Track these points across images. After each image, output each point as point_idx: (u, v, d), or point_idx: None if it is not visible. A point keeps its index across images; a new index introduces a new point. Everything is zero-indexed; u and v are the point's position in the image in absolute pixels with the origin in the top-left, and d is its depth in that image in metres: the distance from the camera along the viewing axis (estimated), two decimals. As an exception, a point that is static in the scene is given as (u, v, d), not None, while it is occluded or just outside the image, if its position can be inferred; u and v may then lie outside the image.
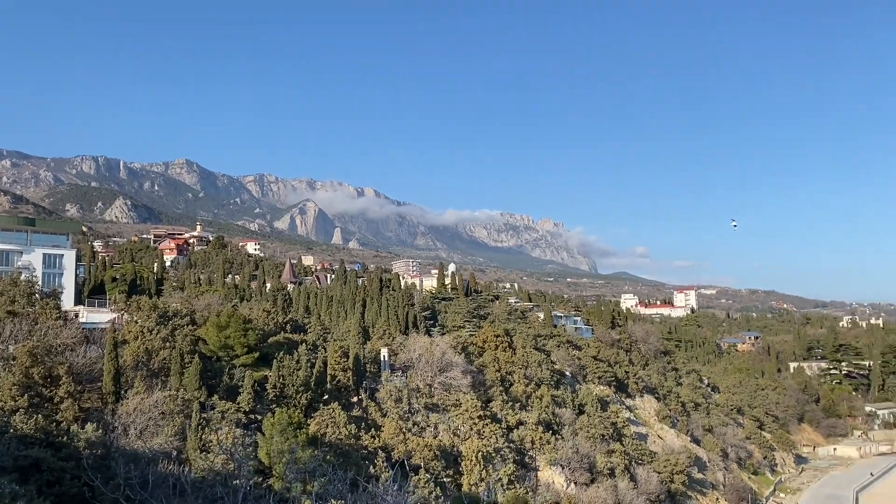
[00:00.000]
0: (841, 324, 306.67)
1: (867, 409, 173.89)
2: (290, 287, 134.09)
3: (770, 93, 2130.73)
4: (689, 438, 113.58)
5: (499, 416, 78.67)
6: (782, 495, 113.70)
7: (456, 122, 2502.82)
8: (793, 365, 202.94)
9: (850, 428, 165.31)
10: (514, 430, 77.29)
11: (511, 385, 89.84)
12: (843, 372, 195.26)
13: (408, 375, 77.00)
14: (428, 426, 70.54)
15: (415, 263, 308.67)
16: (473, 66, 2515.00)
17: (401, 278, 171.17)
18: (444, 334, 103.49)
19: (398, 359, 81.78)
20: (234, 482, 37.00)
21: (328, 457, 49.30)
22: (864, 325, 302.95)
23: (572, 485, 73.52)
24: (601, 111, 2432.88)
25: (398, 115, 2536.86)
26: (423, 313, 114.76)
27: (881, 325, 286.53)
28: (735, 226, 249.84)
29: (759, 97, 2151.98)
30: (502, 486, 60.91)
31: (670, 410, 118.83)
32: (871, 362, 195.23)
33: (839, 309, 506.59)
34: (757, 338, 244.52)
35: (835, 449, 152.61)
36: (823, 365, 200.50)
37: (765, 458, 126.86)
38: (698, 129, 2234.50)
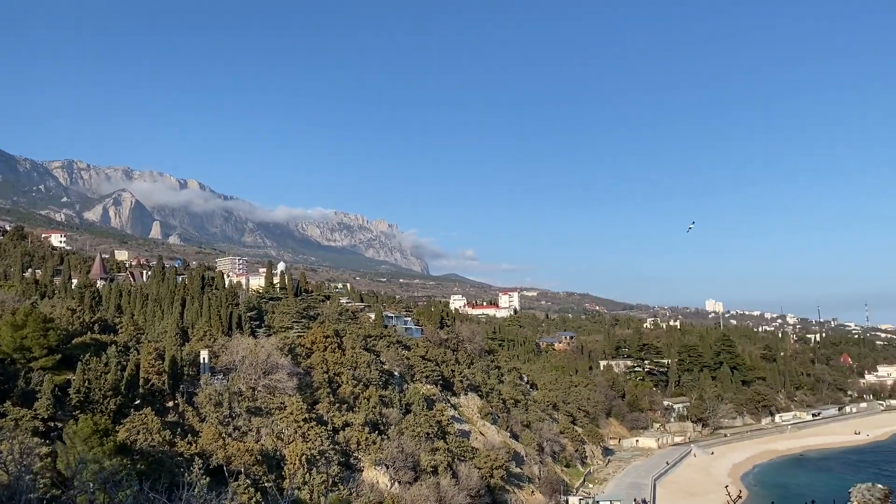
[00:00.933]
0: (645, 325, 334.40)
1: (665, 403, 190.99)
2: (100, 284, 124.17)
3: (575, 108, 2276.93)
4: (508, 434, 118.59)
5: (325, 417, 77.70)
6: (591, 486, 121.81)
7: (290, 115, 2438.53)
8: (603, 363, 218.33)
9: (650, 421, 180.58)
10: (341, 432, 76.71)
11: (339, 386, 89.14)
12: (646, 369, 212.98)
13: (230, 378, 73.98)
14: (250, 430, 68.21)
15: (241, 261, 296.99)
16: (305, 59, 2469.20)
17: (225, 276, 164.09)
18: (270, 335, 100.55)
19: (220, 361, 78.36)
20: (28, 496, 33.47)
21: (139, 465, 46.18)
22: (664, 326, 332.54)
23: (396, 484, 74.17)
24: (430, 112, 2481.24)
25: (226, 103, 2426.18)
26: (249, 314, 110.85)
27: (678, 327, 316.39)
28: (691, 227, 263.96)
29: (571, 108, 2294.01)
30: (325, 488, 60.18)
31: (492, 407, 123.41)
32: (670, 360, 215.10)
33: (644, 311, 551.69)
34: (572, 337, 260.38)
35: (637, 441, 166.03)
36: (629, 363, 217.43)
37: (576, 451, 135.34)
38: (520, 135, 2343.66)
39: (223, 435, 61.51)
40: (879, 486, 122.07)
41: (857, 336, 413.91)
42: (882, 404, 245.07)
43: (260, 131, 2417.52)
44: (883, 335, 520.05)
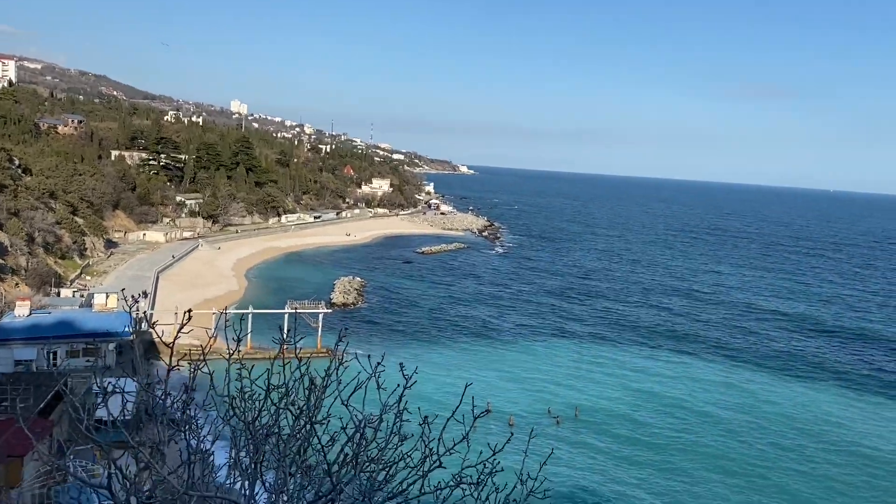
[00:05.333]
0: (166, 118, 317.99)
1: (178, 198, 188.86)
2: None
3: None
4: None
5: None
6: (88, 278, 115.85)
7: None
8: (115, 153, 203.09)
9: (160, 215, 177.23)
10: None
11: None
12: (162, 164, 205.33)
13: None
14: None
15: None
16: None
17: None
18: None
19: None
20: None
21: None
22: (186, 121, 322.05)
23: None
24: None
25: None
26: None
27: (201, 124, 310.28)
28: (166, 45, 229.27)
29: None
30: None
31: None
32: (188, 157, 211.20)
33: (167, 103, 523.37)
34: (81, 122, 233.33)
35: (144, 234, 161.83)
36: (144, 155, 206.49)
37: (75, 242, 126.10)
38: None
39: None
40: (358, 278, 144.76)
41: (360, 151, 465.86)
42: (371, 212, 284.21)
43: None
44: (381, 153, 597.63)
